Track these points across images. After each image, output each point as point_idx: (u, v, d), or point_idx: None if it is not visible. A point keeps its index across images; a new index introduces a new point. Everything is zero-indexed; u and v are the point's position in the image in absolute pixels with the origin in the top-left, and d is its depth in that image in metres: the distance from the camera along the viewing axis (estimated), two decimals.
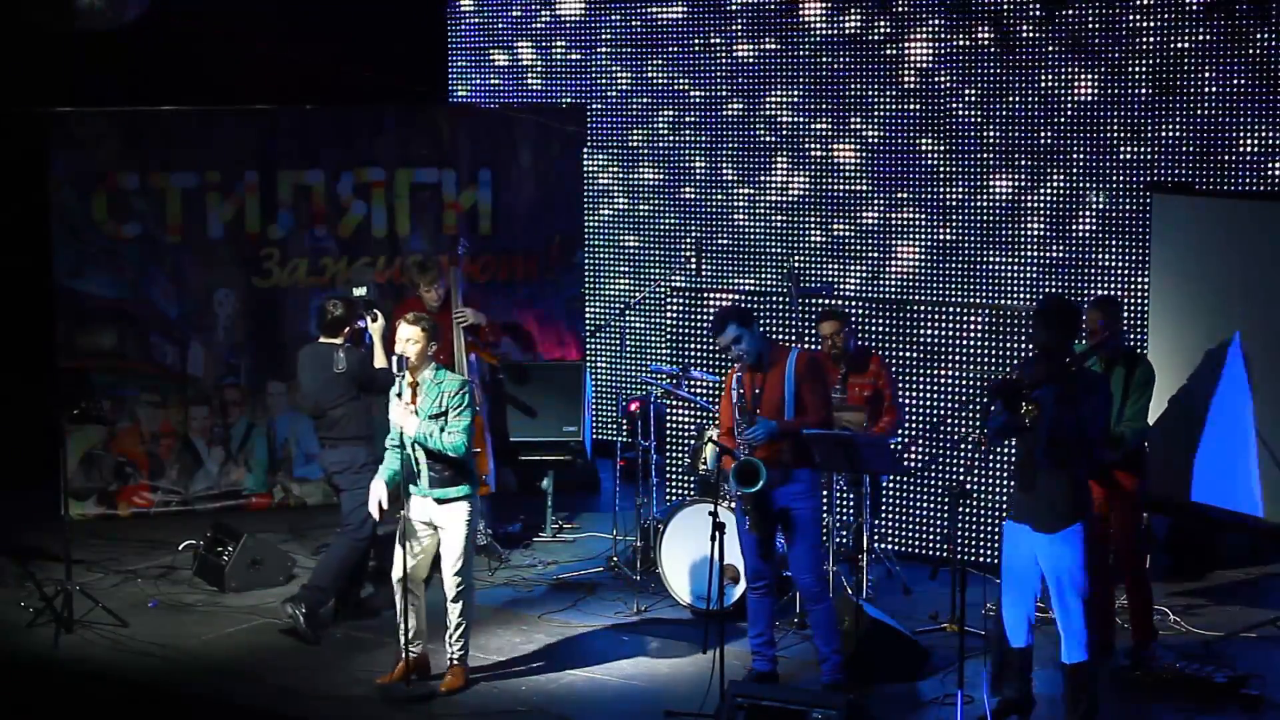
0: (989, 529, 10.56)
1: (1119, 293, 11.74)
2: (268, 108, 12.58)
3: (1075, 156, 12.01)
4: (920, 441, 10.85)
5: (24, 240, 12.58)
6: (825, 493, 9.87)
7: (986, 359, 10.68)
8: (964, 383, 10.77)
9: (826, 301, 11.01)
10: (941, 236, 12.56)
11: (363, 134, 12.60)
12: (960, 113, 12.40)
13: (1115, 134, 11.84)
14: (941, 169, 12.52)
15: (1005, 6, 12.10)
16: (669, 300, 11.93)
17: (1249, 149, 11.37)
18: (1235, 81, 11.35)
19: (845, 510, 10.61)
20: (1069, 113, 12.00)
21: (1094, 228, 11.96)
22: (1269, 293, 9.82)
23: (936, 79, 12.46)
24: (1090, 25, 11.82)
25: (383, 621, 9.92)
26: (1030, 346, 9.45)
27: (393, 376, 8.96)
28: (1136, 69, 11.70)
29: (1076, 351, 8.51)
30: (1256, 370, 9.81)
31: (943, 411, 10.79)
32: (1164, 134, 11.65)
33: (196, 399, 12.44)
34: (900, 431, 10.47)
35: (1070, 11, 11.83)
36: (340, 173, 12.54)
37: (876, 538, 10.52)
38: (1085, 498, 8.14)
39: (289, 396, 12.47)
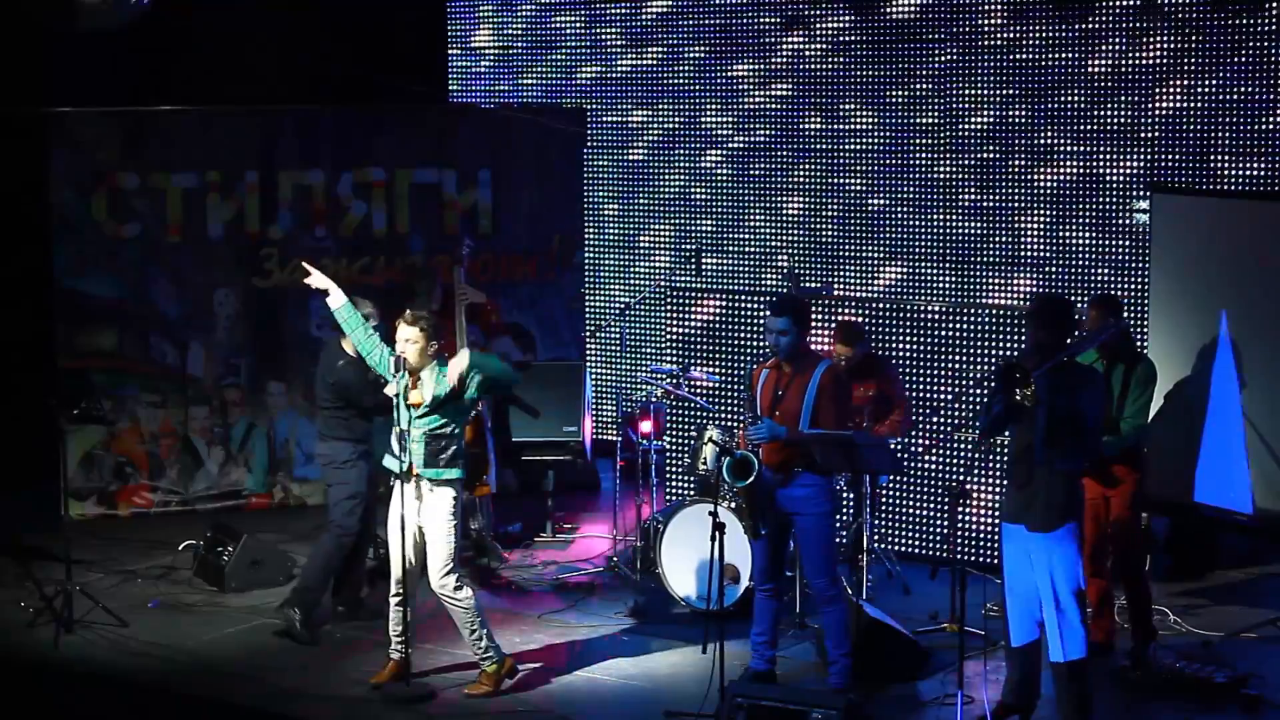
0: (989, 529, 10.55)
1: (1119, 293, 11.73)
2: (268, 108, 12.58)
3: (1076, 156, 12.00)
4: (925, 435, 10.87)
5: (24, 240, 12.59)
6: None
7: (986, 359, 10.68)
8: (964, 382, 10.77)
9: (833, 307, 10.98)
10: (941, 236, 12.55)
11: (363, 134, 12.61)
12: (961, 112, 12.39)
13: (1116, 134, 11.84)
14: (942, 169, 12.51)
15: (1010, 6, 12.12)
16: (669, 300, 11.94)
17: (1247, 148, 11.37)
18: (1235, 80, 11.36)
19: (845, 510, 10.60)
20: (1070, 112, 12.00)
21: (1094, 228, 11.95)
22: (1267, 291, 9.82)
23: (935, 78, 12.46)
24: (1092, 25, 11.84)
25: (382, 621, 9.90)
26: (1026, 346, 9.44)
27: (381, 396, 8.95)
28: (1137, 68, 11.72)
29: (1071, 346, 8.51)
30: (1256, 367, 9.81)
31: (943, 412, 10.80)
32: (1164, 134, 11.64)
33: (196, 399, 12.44)
34: (909, 428, 10.44)
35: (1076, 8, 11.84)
36: (340, 173, 12.54)
37: (876, 538, 10.52)
38: (1079, 496, 8.14)
39: (288, 396, 12.50)
